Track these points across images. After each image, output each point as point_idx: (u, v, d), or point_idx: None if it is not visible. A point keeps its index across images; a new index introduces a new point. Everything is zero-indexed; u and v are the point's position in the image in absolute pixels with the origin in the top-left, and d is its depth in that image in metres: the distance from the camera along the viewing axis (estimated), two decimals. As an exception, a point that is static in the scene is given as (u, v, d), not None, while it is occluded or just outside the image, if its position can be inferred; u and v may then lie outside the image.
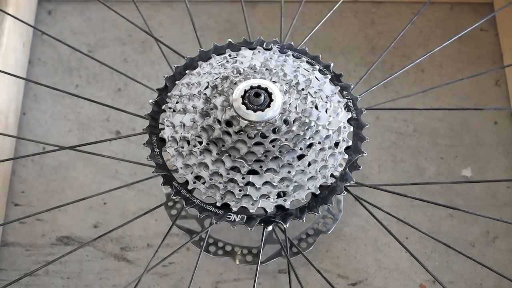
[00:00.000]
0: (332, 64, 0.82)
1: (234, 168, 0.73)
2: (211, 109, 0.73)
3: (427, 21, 1.17)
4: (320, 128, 0.74)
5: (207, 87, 0.76)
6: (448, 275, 0.98)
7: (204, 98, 0.75)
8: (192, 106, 0.75)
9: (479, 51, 1.15)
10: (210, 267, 0.98)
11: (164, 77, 0.81)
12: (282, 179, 0.74)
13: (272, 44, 0.83)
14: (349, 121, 0.78)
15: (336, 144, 0.76)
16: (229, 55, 0.81)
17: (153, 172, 0.77)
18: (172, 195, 0.75)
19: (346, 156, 0.77)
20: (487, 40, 1.16)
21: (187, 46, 1.14)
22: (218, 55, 0.81)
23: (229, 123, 0.72)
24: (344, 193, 0.76)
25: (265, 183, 0.73)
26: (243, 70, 0.75)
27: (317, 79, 0.78)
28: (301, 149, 0.73)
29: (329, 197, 0.75)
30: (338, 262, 0.99)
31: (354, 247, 1.00)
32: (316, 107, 0.74)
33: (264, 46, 0.83)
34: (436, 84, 1.11)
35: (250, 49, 0.82)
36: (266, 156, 0.72)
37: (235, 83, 0.72)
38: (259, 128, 0.71)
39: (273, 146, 0.72)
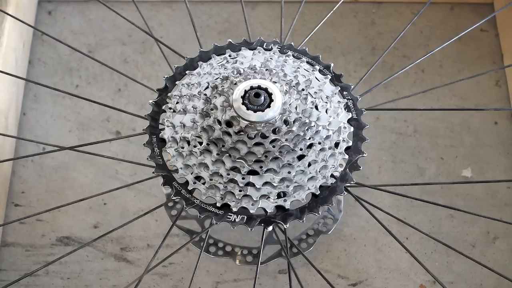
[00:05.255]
0: (332, 65, 0.82)
1: (234, 169, 0.73)
2: (211, 109, 0.73)
3: (427, 21, 1.17)
4: (320, 128, 0.74)
5: (207, 87, 0.76)
6: (448, 275, 0.98)
7: (204, 99, 0.75)
8: (192, 107, 0.75)
9: (479, 51, 1.15)
10: (210, 267, 0.98)
11: (164, 77, 0.81)
12: (282, 180, 0.73)
13: (272, 45, 0.83)
14: (349, 121, 0.78)
15: (336, 145, 0.76)
16: (229, 56, 0.81)
17: (153, 173, 0.77)
18: (172, 196, 0.75)
19: (346, 157, 0.77)
20: (487, 40, 1.16)
21: (187, 46, 1.14)
22: (218, 56, 0.81)
23: (229, 124, 0.72)
24: (344, 194, 0.76)
25: (265, 183, 0.73)
26: (243, 70, 0.75)
27: (317, 79, 0.78)
28: (301, 149, 0.73)
29: (329, 197, 0.75)
30: (338, 262, 0.99)
31: (354, 247, 1.00)
32: (316, 108, 0.74)
33: (264, 46, 0.83)
34: (436, 84, 1.11)
35: (250, 49, 0.82)
36: (266, 156, 0.72)
37: (235, 84, 0.72)
38: (259, 128, 0.71)
39: (273, 147, 0.72)
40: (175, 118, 0.76)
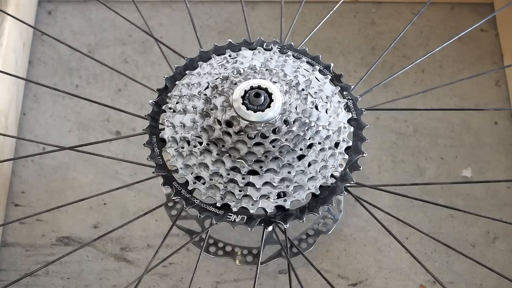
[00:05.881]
0: (332, 65, 0.82)
1: (234, 169, 0.73)
2: (211, 109, 0.73)
3: (427, 21, 1.17)
4: (320, 128, 0.74)
5: (207, 87, 0.76)
6: (448, 275, 0.98)
7: (204, 99, 0.75)
8: (192, 107, 0.75)
9: (479, 51, 1.15)
10: (210, 267, 0.98)
11: (164, 77, 0.81)
12: (282, 180, 0.73)
13: (272, 45, 0.83)
14: (349, 121, 0.78)
15: (336, 145, 0.76)
16: (229, 56, 0.81)
17: (153, 173, 0.77)
18: (172, 196, 0.75)
19: (346, 157, 0.77)
20: (487, 40, 1.16)
21: (187, 46, 1.14)
22: (218, 56, 0.81)
23: (229, 124, 0.72)
24: (344, 194, 0.76)
25: (265, 183, 0.73)
26: (243, 70, 0.75)
27: (317, 79, 0.78)
28: (301, 149, 0.73)
29: (329, 197, 0.75)
30: (338, 262, 0.99)
31: (354, 247, 1.00)
32: (316, 108, 0.74)
33: (264, 46, 0.83)
34: (436, 84, 1.11)
35: (250, 49, 0.82)
36: (266, 156, 0.72)
37: (235, 84, 0.72)
38: (259, 128, 0.71)
39: (273, 147, 0.72)
40: (175, 118, 0.76)
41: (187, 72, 0.81)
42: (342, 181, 0.76)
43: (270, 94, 0.71)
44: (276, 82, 0.73)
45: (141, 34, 1.14)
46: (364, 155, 0.78)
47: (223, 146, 0.72)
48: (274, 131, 0.71)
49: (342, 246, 1.00)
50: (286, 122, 0.72)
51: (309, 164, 0.74)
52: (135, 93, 1.11)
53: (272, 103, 0.71)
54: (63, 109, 1.10)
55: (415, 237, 1.00)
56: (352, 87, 0.81)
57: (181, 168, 0.75)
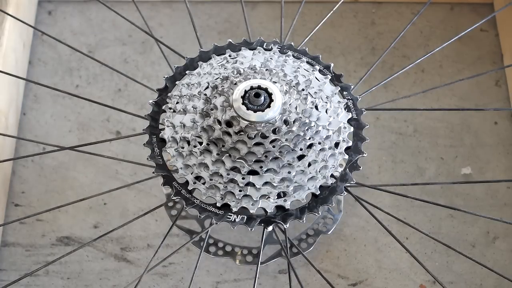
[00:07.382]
0: (332, 65, 0.82)
1: (234, 169, 0.73)
2: (211, 109, 0.73)
3: (427, 21, 1.17)
4: (320, 128, 0.74)
5: (207, 87, 0.76)
6: (448, 275, 0.98)
7: (204, 99, 0.75)
8: (192, 107, 0.75)
9: (479, 51, 1.15)
10: (210, 267, 0.98)
11: (164, 77, 0.81)
12: (282, 180, 0.74)
13: (272, 45, 0.83)
14: (349, 121, 0.78)
15: (336, 145, 0.76)
16: (229, 56, 0.81)
17: (153, 173, 0.77)
18: (172, 196, 0.75)
19: (346, 157, 0.77)
20: (487, 40, 1.16)
21: (187, 46, 1.14)
22: (218, 56, 0.81)
23: (229, 124, 0.72)
24: (344, 194, 0.76)
25: (265, 183, 0.73)
26: (243, 70, 0.75)
27: (317, 79, 0.78)
28: (301, 149, 0.73)
29: (329, 197, 0.75)
30: (338, 262, 0.99)
31: (354, 247, 1.00)
32: (316, 108, 0.74)
33: (264, 46, 0.83)
34: (436, 84, 1.11)
35: (250, 49, 0.82)
36: (266, 156, 0.72)
37: (235, 84, 0.73)
38: (259, 128, 0.71)
39: (273, 147, 0.72)
40: (175, 118, 0.76)
41: (187, 72, 0.81)
42: (342, 181, 0.76)
43: (270, 94, 0.71)
44: (276, 82, 0.73)
45: (141, 34, 1.14)
46: (364, 155, 0.78)
47: (223, 146, 0.72)
48: (274, 131, 0.71)
49: (342, 246, 1.00)
50: (286, 122, 0.72)
51: (309, 164, 0.74)
52: (135, 93, 1.11)
53: (272, 103, 0.71)
54: (63, 109, 1.10)
55: (415, 237, 1.00)
56: (352, 87, 0.81)
57: (181, 168, 0.75)
